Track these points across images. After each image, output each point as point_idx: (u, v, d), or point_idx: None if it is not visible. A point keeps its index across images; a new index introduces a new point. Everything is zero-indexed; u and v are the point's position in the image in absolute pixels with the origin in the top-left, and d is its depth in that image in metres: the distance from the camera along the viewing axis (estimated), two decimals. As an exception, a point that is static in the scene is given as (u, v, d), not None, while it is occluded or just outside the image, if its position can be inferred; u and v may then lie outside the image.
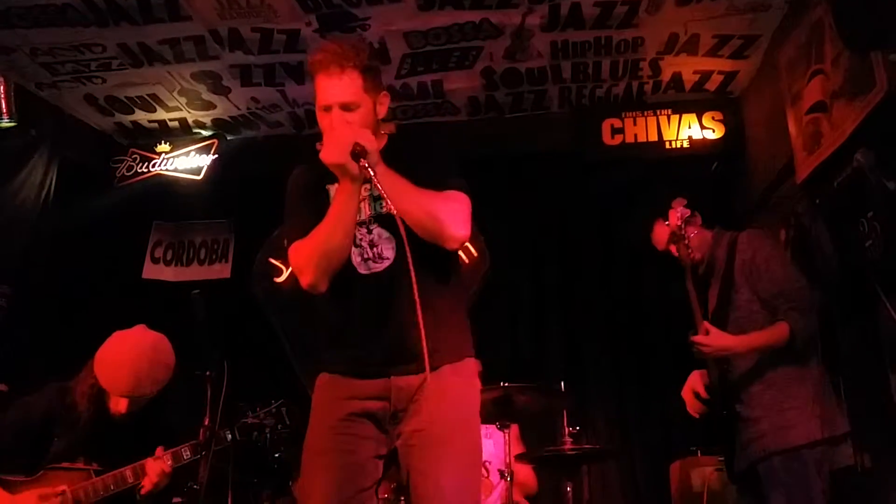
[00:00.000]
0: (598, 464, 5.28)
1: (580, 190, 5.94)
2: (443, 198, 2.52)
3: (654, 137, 5.72)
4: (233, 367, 3.33)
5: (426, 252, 2.50)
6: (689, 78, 5.54)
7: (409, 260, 2.34)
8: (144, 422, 3.80)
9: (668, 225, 3.69)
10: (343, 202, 2.48)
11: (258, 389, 4.25)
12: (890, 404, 3.70)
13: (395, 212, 2.37)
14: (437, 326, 2.47)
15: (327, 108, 2.55)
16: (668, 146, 5.69)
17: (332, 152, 2.42)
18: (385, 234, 2.57)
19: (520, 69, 5.43)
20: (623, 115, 5.78)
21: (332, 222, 2.50)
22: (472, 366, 2.63)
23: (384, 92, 2.66)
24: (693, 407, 3.62)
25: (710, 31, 4.97)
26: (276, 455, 4.26)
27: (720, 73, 5.45)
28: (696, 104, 5.73)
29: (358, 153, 2.38)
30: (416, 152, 2.67)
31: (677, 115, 5.72)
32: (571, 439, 4.47)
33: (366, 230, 2.57)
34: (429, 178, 2.54)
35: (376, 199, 2.60)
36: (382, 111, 2.65)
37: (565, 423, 4.55)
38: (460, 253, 2.69)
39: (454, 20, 4.86)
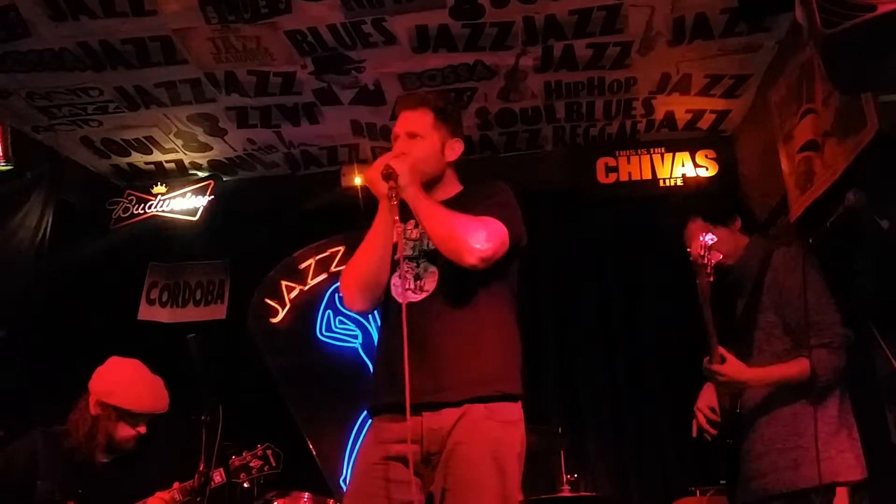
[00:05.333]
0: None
1: (575, 229, 5.95)
2: (470, 218, 2.57)
3: (647, 176, 5.75)
4: (226, 408, 3.32)
5: (468, 285, 2.59)
6: (682, 117, 5.58)
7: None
8: (129, 467, 3.78)
9: (704, 223, 3.50)
10: (375, 222, 2.68)
11: (251, 431, 4.23)
12: (888, 443, 3.68)
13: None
14: (469, 357, 2.51)
15: (395, 138, 2.78)
16: (661, 184, 5.72)
17: (368, 173, 2.65)
18: (431, 268, 2.65)
19: (514, 109, 5.47)
20: (617, 154, 5.81)
21: (364, 241, 2.69)
22: (509, 409, 2.56)
23: (458, 139, 2.85)
24: (703, 424, 3.45)
25: (701, 70, 5.02)
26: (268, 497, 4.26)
27: (712, 111, 5.50)
28: (689, 142, 5.77)
29: (387, 174, 2.54)
30: (479, 194, 2.74)
31: (671, 154, 5.76)
32: (570, 486, 4.44)
33: (415, 264, 2.65)
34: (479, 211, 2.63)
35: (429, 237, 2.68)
36: (451, 155, 2.83)
37: (563, 467, 4.52)
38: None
39: (448, 62, 4.90)
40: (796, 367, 3.15)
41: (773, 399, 3.24)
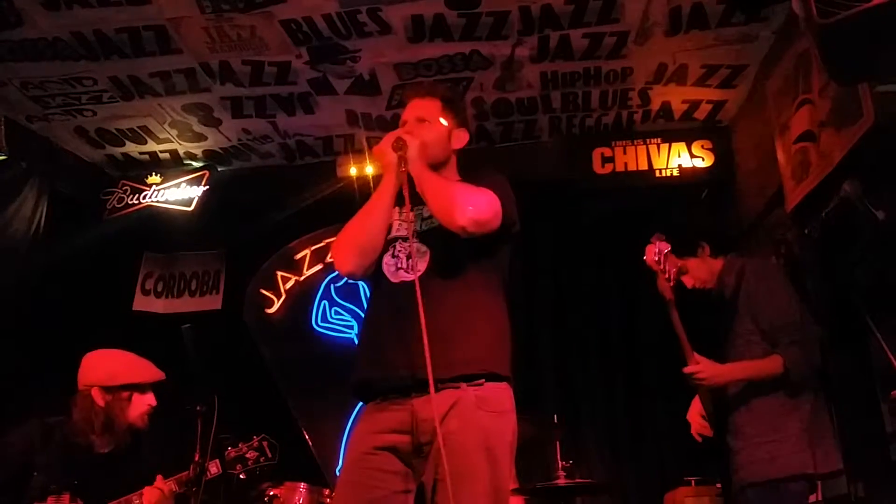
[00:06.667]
0: (592, 496, 5.24)
1: (571, 219, 5.95)
2: (469, 186, 2.63)
3: (644, 166, 5.73)
4: (222, 399, 3.32)
5: (459, 267, 2.61)
6: (679, 107, 5.57)
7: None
8: (128, 457, 3.78)
9: (675, 258, 3.64)
10: (379, 190, 2.70)
11: (247, 422, 4.23)
12: (882, 432, 3.70)
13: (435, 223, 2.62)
14: (458, 336, 2.50)
15: (403, 124, 2.84)
16: (658, 175, 5.70)
17: (379, 145, 2.71)
18: (423, 248, 2.67)
19: (510, 99, 5.46)
20: (613, 144, 5.79)
21: (365, 207, 2.71)
22: (500, 398, 2.55)
23: (464, 129, 2.89)
24: (699, 429, 3.60)
25: (698, 60, 5.01)
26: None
27: (709, 102, 5.48)
28: (685, 133, 5.75)
29: (398, 146, 2.64)
30: (476, 178, 2.75)
31: (667, 144, 5.74)
32: (565, 473, 4.45)
33: (408, 244, 2.66)
34: None
35: (425, 218, 2.72)
36: (457, 144, 2.87)
37: (558, 456, 4.53)
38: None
39: (444, 51, 4.89)
40: (770, 363, 3.29)
41: (750, 396, 3.35)
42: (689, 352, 3.40)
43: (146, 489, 3.64)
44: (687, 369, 3.37)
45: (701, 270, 3.63)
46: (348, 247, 2.72)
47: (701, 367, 3.34)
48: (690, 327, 3.44)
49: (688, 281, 3.66)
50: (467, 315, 2.57)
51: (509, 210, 2.66)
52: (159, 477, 3.67)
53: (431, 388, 2.34)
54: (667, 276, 3.44)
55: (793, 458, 3.18)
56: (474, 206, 2.54)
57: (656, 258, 3.45)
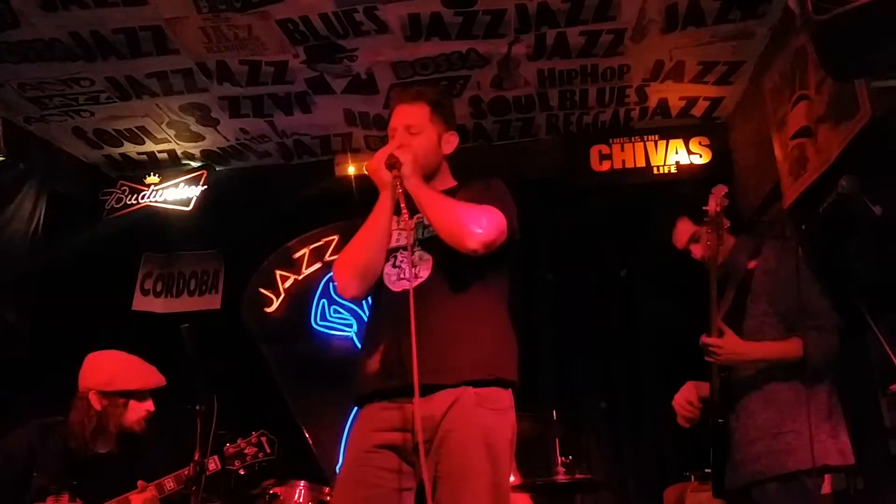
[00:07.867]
0: (592, 493, 5.25)
1: (569, 217, 5.95)
2: (471, 206, 2.61)
3: (641, 163, 5.75)
4: (222, 398, 3.32)
5: (461, 273, 2.60)
6: (676, 104, 5.58)
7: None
8: (127, 457, 3.79)
9: (691, 223, 3.53)
10: (376, 210, 2.66)
11: (247, 421, 4.24)
12: (881, 426, 3.70)
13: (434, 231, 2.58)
14: (462, 342, 2.51)
15: (393, 131, 2.79)
16: (655, 171, 5.72)
17: (372, 163, 2.66)
18: (425, 255, 2.66)
19: (507, 97, 5.46)
20: (611, 142, 5.81)
21: (363, 228, 2.68)
22: (500, 396, 2.55)
23: (453, 132, 2.86)
24: (685, 415, 3.51)
25: (694, 57, 5.02)
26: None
27: (706, 98, 5.50)
28: (682, 130, 5.77)
29: (392, 164, 2.59)
30: (476, 190, 2.75)
31: (664, 141, 5.76)
32: (564, 469, 4.45)
33: (409, 253, 2.64)
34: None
35: (426, 226, 2.70)
36: (448, 148, 2.86)
37: (558, 453, 4.53)
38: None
39: (441, 50, 4.89)
40: (790, 346, 3.20)
41: (766, 383, 3.26)
42: (716, 321, 3.27)
43: (131, 494, 3.64)
44: (707, 339, 3.25)
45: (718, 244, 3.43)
46: (350, 271, 2.69)
47: (720, 342, 3.22)
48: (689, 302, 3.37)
49: (697, 250, 3.54)
50: (471, 321, 2.57)
51: (513, 223, 2.66)
52: (140, 483, 3.66)
53: (416, 395, 2.34)
54: (719, 230, 3.31)
55: (808, 449, 3.05)
56: (482, 229, 2.53)
57: (718, 208, 3.31)
